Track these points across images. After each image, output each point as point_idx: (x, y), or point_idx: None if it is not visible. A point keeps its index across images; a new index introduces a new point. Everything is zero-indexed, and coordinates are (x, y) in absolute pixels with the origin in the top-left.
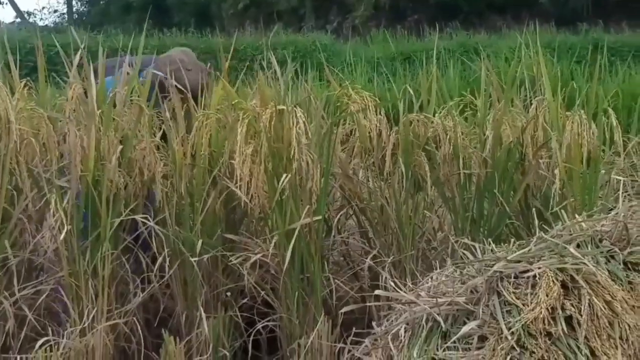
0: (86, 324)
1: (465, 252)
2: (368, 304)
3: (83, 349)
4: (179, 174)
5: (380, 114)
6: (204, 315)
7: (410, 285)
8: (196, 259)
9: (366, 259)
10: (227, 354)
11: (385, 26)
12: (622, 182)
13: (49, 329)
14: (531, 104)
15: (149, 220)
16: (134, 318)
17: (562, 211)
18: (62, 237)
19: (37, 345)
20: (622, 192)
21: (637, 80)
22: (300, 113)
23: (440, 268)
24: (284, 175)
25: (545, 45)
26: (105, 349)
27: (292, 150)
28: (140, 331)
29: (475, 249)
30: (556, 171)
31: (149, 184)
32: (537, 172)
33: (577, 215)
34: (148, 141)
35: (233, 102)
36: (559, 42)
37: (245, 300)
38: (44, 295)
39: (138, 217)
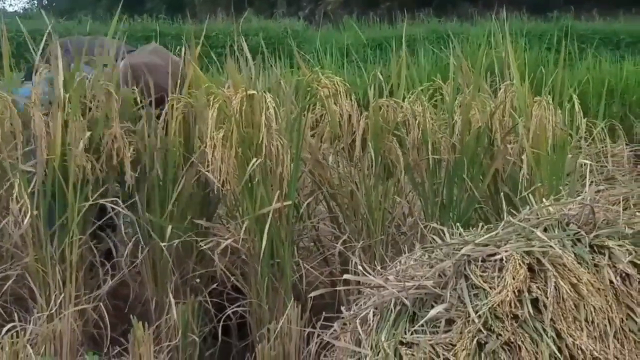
0: (53, 310)
1: (434, 236)
2: (337, 288)
3: (50, 335)
4: (150, 158)
5: (350, 99)
6: (172, 300)
7: (379, 270)
8: (165, 244)
9: (336, 244)
10: (197, 339)
11: (358, 13)
12: (587, 166)
13: (16, 315)
14: (500, 89)
15: (117, 205)
16: (103, 304)
17: (530, 195)
18: (26, 222)
19: (3, 331)
20: (589, 177)
21: (606, 67)
22: (270, 98)
23: (409, 252)
24: (253, 160)
25: (517, 32)
26: (73, 335)
27: (261, 136)
28: (109, 317)
29: (444, 234)
30: (524, 156)
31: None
32: (505, 157)
33: (544, 200)
34: (117, 126)
35: (203, 87)
36: (530, 29)
37: (214, 286)
38: (10, 281)
39: (106, 202)
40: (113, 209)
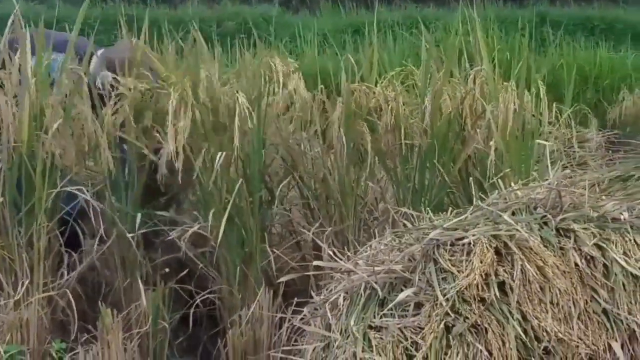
0: (20, 297)
1: (405, 221)
2: (308, 273)
3: (17, 323)
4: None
5: (320, 84)
6: (142, 287)
7: (350, 255)
8: (133, 234)
9: (308, 229)
10: (167, 326)
11: None
12: (551, 149)
13: None
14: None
15: (84, 193)
16: (71, 291)
17: (499, 180)
18: None
19: None
20: (559, 162)
21: (580, 53)
22: (232, 85)
23: (379, 237)
24: (220, 153)
25: (492, 18)
26: (40, 323)
27: (226, 121)
28: (78, 305)
29: (415, 219)
30: (492, 142)
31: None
32: (476, 142)
33: (513, 185)
34: (89, 111)
35: (164, 75)
36: (506, 15)
37: (185, 272)
38: None
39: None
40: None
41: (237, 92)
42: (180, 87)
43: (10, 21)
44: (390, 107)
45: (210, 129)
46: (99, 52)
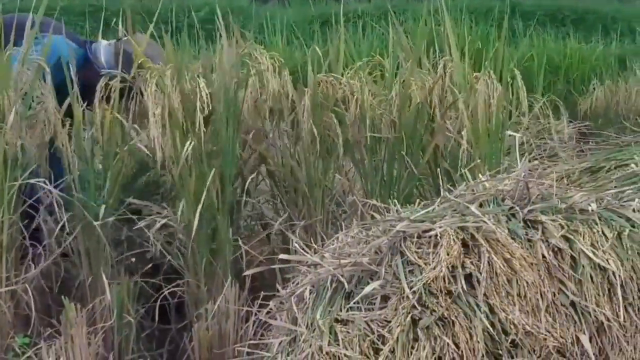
0: None
1: (374, 214)
2: (274, 266)
3: None
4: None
5: (284, 75)
6: (106, 281)
7: (316, 247)
8: (99, 222)
9: (277, 222)
10: (132, 320)
11: None
12: (517, 138)
13: None
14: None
15: (47, 184)
16: (35, 285)
17: (467, 171)
18: None
19: None
20: (529, 154)
21: (550, 44)
22: (201, 75)
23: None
24: (189, 142)
25: (462, 9)
26: (3, 317)
27: (197, 112)
28: (41, 298)
29: (383, 211)
30: (463, 132)
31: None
32: (446, 133)
33: (481, 176)
34: (52, 102)
35: (139, 62)
36: (476, 5)
37: (151, 265)
38: None
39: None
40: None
41: (204, 84)
42: (156, 76)
43: None
44: (356, 98)
45: (184, 118)
46: (110, 42)
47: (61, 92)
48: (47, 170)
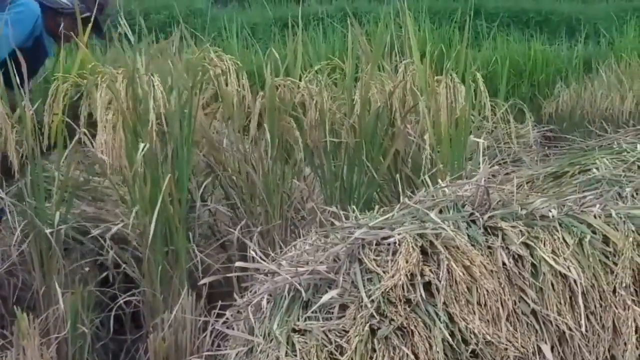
0: None
1: (334, 220)
2: (231, 274)
3: None
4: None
5: (242, 78)
6: (59, 290)
7: (273, 255)
8: (52, 230)
9: (234, 229)
10: (86, 330)
11: None
12: (480, 144)
13: None
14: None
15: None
16: None
17: (428, 178)
18: None
19: None
20: (492, 159)
21: (514, 46)
22: (156, 79)
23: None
24: (142, 145)
25: (424, 10)
26: None
27: (150, 118)
28: None
29: (343, 218)
30: (425, 136)
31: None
32: (407, 138)
33: (441, 181)
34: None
35: (90, 65)
36: (439, 7)
37: (105, 274)
38: None
39: None
40: None
41: (161, 88)
42: (107, 80)
43: None
44: (315, 101)
45: (133, 125)
46: None
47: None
48: None
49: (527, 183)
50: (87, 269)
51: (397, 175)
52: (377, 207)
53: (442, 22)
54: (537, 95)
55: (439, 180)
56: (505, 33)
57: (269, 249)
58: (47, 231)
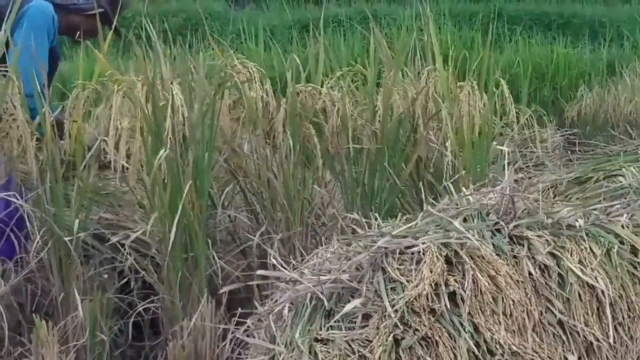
0: None
1: (355, 227)
2: (251, 282)
3: None
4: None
5: (266, 84)
6: (78, 297)
7: (295, 263)
8: (72, 237)
9: (254, 236)
10: (105, 338)
11: None
12: (506, 152)
13: None
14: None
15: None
16: (5, 303)
17: (450, 184)
18: None
19: None
20: (514, 164)
21: (536, 49)
22: (177, 86)
23: (327, 245)
24: (162, 150)
25: (445, 13)
26: None
27: (167, 125)
28: (11, 315)
29: (364, 225)
30: (447, 143)
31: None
32: (429, 144)
33: (465, 189)
34: (20, 112)
35: (107, 74)
36: (459, 10)
37: (125, 281)
38: None
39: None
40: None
41: (180, 96)
42: (124, 87)
43: None
44: (337, 108)
45: (153, 131)
46: None
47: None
48: (18, 184)
49: (550, 188)
50: (105, 275)
51: (419, 182)
52: (399, 214)
53: (462, 25)
54: (559, 99)
55: (462, 187)
56: (528, 36)
57: (290, 255)
58: (67, 238)
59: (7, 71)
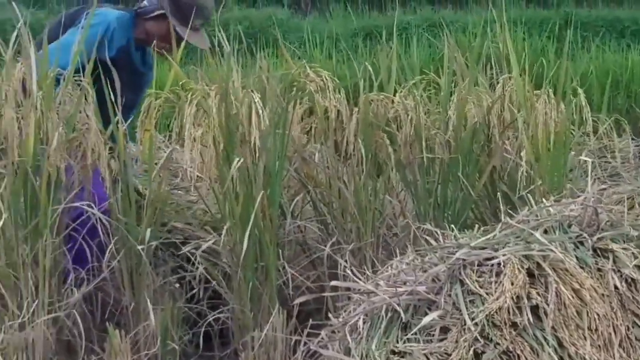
0: (26, 318)
1: (428, 238)
2: (324, 294)
3: (22, 344)
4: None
5: (339, 93)
6: (150, 307)
7: (369, 274)
8: (143, 247)
9: (324, 246)
10: (176, 347)
11: (347, 0)
12: (589, 163)
13: None
14: (498, 82)
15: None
16: (78, 311)
17: (529, 195)
18: None
19: None
20: (592, 175)
21: (610, 57)
22: (252, 94)
23: (401, 255)
24: (236, 160)
25: (515, 20)
26: (46, 344)
27: (243, 133)
28: (83, 324)
29: (438, 236)
30: (523, 153)
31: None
32: (504, 154)
33: (544, 199)
34: (94, 121)
35: (181, 83)
36: (529, 17)
37: (195, 291)
38: None
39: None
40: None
41: (257, 103)
42: (199, 96)
43: (16, 30)
44: (410, 117)
45: (227, 140)
46: None
47: (119, 60)
48: (90, 193)
49: (627, 199)
50: (177, 285)
51: (496, 193)
52: (477, 226)
53: (532, 32)
54: (634, 107)
55: (538, 198)
56: (601, 42)
57: (361, 266)
58: (139, 247)
59: (81, 81)
